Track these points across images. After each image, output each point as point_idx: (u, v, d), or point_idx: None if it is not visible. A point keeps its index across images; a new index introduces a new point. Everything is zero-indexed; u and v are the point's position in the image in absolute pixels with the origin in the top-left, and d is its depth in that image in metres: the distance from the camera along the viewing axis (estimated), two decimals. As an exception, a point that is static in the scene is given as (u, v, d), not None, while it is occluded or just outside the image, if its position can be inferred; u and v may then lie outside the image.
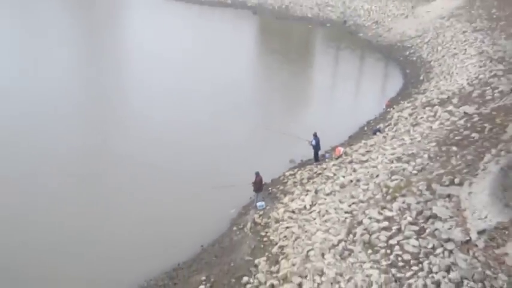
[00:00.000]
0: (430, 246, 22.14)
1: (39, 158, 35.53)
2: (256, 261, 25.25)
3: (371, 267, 22.22)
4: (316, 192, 29.93)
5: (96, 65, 53.40)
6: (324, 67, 54.36)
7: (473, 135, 30.88)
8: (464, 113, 34.98)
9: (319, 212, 27.86)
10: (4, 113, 42.18)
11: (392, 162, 31.06)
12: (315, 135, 34.11)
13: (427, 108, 38.07)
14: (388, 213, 25.33)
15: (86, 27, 69.33)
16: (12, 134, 38.70)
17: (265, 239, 27.11)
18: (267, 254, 25.76)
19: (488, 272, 19.53)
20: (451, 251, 21.26)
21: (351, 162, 32.89)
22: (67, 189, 32.25)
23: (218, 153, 35.58)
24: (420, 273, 20.85)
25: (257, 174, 30.45)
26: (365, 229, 24.80)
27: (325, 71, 53.32)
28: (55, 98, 44.85)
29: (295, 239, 26.09)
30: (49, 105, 43.45)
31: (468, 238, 21.57)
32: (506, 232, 20.68)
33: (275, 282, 23.44)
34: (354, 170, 31.56)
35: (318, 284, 22.49)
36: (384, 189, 27.90)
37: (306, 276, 23.14)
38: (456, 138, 31.45)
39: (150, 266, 26.19)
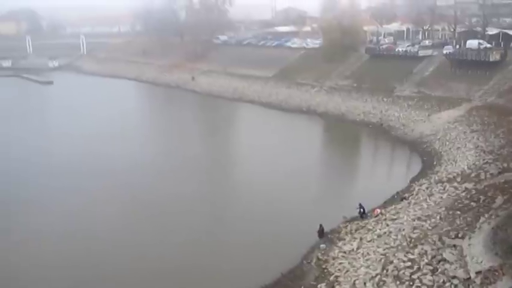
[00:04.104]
0: (441, 281, 21.40)
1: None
2: (318, 286, 24.76)
3: (399, 294, 21.52)
4: (360, 239, 29.35)
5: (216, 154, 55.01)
6: (367, 154, 53.98)
7: (471, 203, 30.09)
8: (465, 188, 34.08)
9: (362, 253, 27.30)
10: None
11: (414, 220, 30.33)
12: (360, 205, 33.54)
13: (438, 184, 37.08)
14: (411, 256, 24.71)
15: (211, 123, 72.10)
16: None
17: (325, 270, 26.58)
18: (326, 281, 25.25)
19: (483, 302, 18.62)
20: (456, 285, 20.45)
21: (385, 219, 32.09)
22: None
23: (298, 213, 35.19)
24: (434, 300, 20.04)
25: (320, 225, 30.39)
26: (395, 267, 24.17)
27: (368, 157, 52.88)
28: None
29: (346, 271, 25.56)
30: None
31: (469, 276, 20.77)
32: (496, 273, 19.86)
33: (331, 301, 22.92)
34: (387, 225, 30.80)
35: (362, 304, 21.87)
36: (408, 239, 27.30)
37: (353, 298, 22.57)
38: (459, 205, 30.67)
39: (247, 285, 25.96)
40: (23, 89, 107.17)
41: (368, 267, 25.36)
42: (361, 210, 33.50)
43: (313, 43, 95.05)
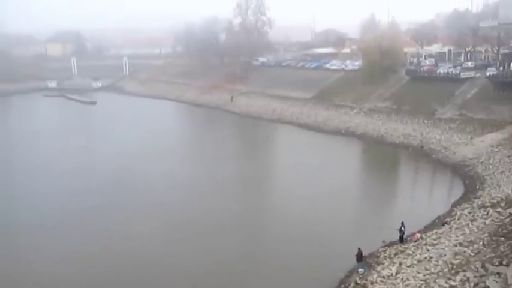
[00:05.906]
0: (484, 309, 20.69)
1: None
2: (356, 310, 24.40)
3: (440, 322, 20.98)
4: (400, 264, 28.81)
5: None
6: (407, 177, 53.15)
7: (516, 230, 29.11)
8: (510, 213, 33.13)
9: (402, 279, 26.80)
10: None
11: (456, 246, 29.62)
12: (403, 224, 33.02)
13: (481, 209, 36.18)
14: (452, 283, 24.18)
15: (250, 143, 73.12)
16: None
17: (363, 295, 26.27)
18: (364, 306, 24.88)
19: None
20: (500, 315, 19.79)
21: (425, 244, 31.46)
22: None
23: (335, 235, 35.11)
24: (477, 329, 19.45)
25: (359, 249, 29.90)
26: (435, 293, 23.56)
27: (408, 180, 52.02)
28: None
29: (385, 297, 25.11)
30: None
31: (513, 306, 20.06)
32: (543, 303, 19.12)
33: (370, 327, 22.52)
34: (428, 250, 30.18)
35: (401, 331, 21.42)
36: (450, 265, 26.68)
37: (392, 324, 22.13)
38: (503, 231, 29.87)
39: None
40: (67, 109, 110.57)
41: (407, 293, 24.89)
42: (402, 229, 32.94)
43: (353, 65, 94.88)
